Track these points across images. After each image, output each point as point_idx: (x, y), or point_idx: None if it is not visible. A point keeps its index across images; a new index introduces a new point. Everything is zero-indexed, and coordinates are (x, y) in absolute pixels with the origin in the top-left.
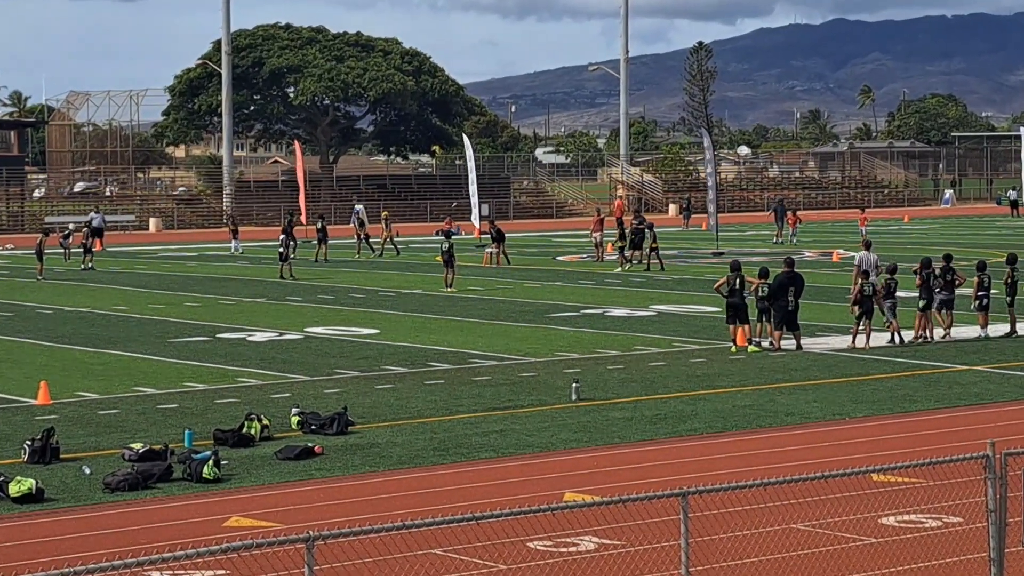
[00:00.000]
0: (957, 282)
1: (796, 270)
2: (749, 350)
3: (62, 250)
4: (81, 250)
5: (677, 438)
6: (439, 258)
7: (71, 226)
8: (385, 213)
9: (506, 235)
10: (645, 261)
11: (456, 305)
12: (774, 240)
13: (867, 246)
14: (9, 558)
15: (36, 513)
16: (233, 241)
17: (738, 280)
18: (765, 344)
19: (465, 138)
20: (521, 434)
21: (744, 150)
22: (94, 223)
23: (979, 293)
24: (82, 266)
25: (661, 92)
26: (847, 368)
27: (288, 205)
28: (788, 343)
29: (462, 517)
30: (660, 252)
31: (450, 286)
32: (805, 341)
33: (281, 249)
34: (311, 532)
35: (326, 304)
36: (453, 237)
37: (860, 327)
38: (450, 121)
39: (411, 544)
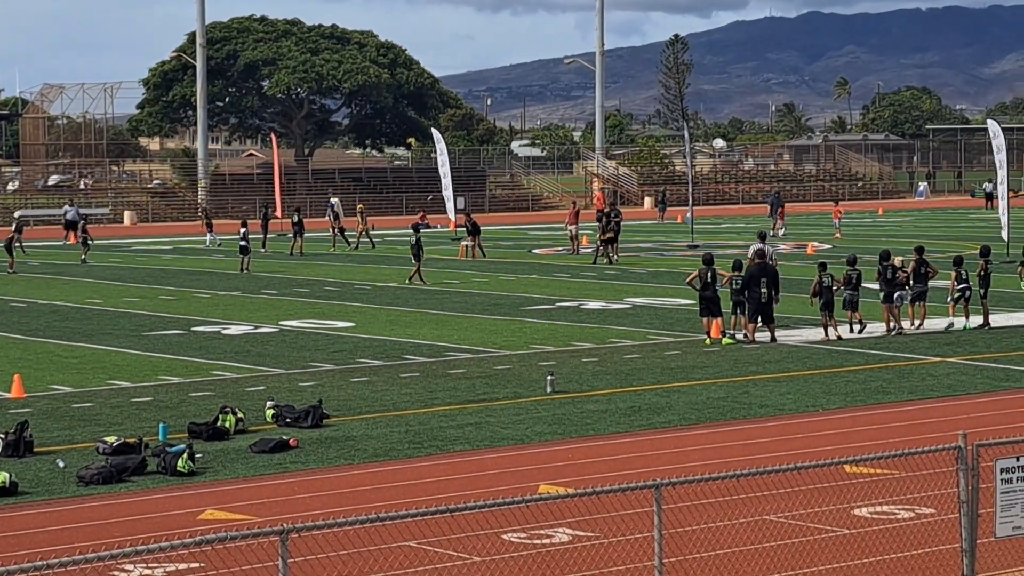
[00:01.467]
0: (930, 274)
1: (767, 261)
2: (723, 342)
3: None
4: (79, 243)
5: (651, 430)
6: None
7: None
8: (360, 206)
9: (482, 228)
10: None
11: (431, 298)
12: (772, 233)
13: None
14: None
15: (10, 506)
16: (209, 234)
17: (710, 273)
18: (739, 336)
19: (435, 132)
20: (496, 427)
21: (719, 143)
22: (68, 216)
23: (959, 287)
24: (82, 259)
25: (636, 85)
26: (821, 360)
27: (263, 198)
28: (762, 335)
29: (437, 509)
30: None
31: (419, 279)
32: (779, 333)
33: (242, 242)
34: (285, 525)
35: (301, 297)
36: (423, 231)
37: (826, 320)
38: (425, 114)
39: (386, 537)
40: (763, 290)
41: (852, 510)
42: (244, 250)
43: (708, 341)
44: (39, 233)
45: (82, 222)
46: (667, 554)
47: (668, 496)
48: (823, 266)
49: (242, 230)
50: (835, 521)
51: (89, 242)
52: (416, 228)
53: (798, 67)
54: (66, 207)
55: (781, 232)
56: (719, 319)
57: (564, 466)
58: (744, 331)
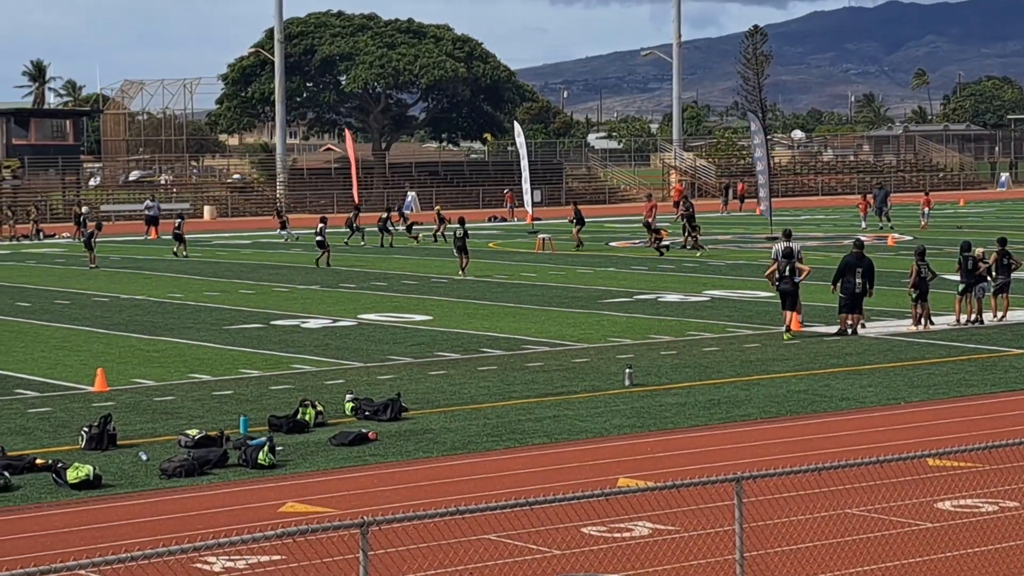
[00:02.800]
0: (1013, 266)
1: (864, 252)
2: (784, 337)
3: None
4: (175, 239)
5: (731, 423)
6: (493, 244)
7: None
8: (438, 207)
9: (558, 221)
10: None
11: (508, 291)
12: (881, 226)
13: None
14: (67, 544)
15: (94, 499)
16: (285, 230)
17: (788, 267)
18: (783, 330)
19: (516, 125)
20: (574, 420)
21: (798, 134)
22: (150, 212)
23: None
24: (183, 254)
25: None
26: (903, 352)
27: (341, 193)
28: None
29: (516, 502)
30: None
31: (463, 270)
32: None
33: (319, 238)
34: (365, 517)
35: (379, 291)
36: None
37: (917, 310)
38: (502, 108)
39: (465, 529)
40: (858, 280)
41: (935, 503)
42: (321, 245)
43: (787, 336)
44: (120, 228)
45: (179, 220)
46: (748, 548)
47: (749, 489)
48: (920, 255)
49: (319, 225)
50: (918, 515)
51: (184, 238)
52: (461, 221)
53: (877, 57)
54: (147, 202)
55: (864, 224)
56: (797, 312)
57: (643, 459)
58: (785, 325)
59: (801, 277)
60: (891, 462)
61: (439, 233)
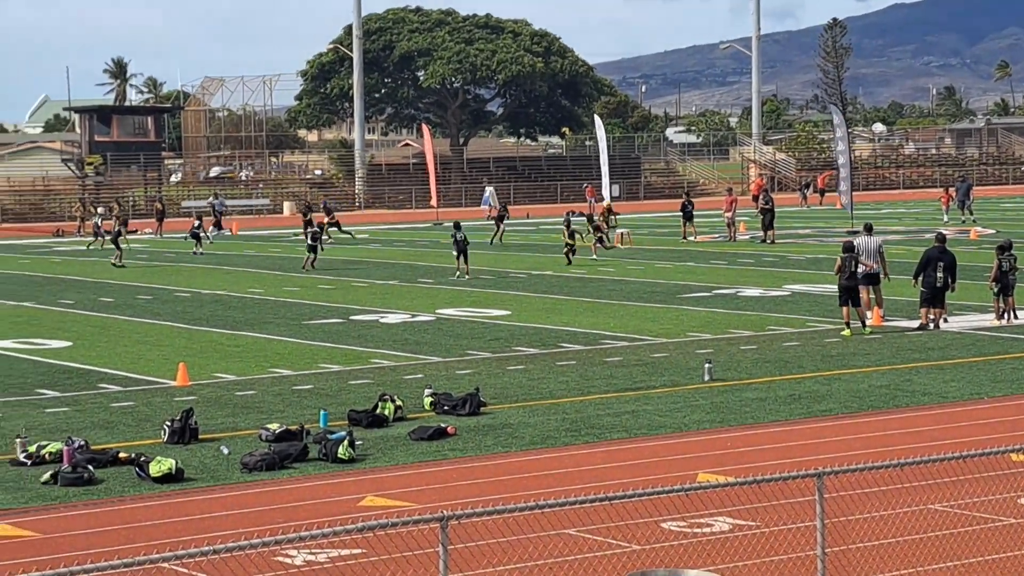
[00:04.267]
0: None
1: (946, 246)
2: (842, 334)
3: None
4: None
5: (812, 418)
6: (567, 237)
7: (100, 210)
8: (606, 204)
9: (636, 215)
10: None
11: (587, 286)
12: (963, 219)
13: None
14: (150, 537)
15: (176, 492)
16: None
17: (852, 262)
18: (845, 329)
19: (597, 119)
20: (653, 415)
21: (879, 127)
22: (217, 208)
23: None
24: (200, 252)
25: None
26: (986, 347)
27: (418, 188)
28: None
29: (595, 497)
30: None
31: (467, 274)
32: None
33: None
34: (445, 512)
35: (457, 286)
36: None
37: (1000, 304)
38: (579, 102)
39: (544, 524)
40: (939, 275)
41: (1018, 499)
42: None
43: (847, 332)
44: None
45: (198, 221)
46: (830, 543)
47: (830, 485)
48: (1002, 249)
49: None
50: (1001, 510)
51: (204, 235)
52: (457, 225)
53: (959, 49)
54: (211, 199)
55: (946, 218)
56: (879, 306)
57: (723, 454)
58: (859, 319)
59: (865, 270)
60: (974, 457)
61: (607, 230)
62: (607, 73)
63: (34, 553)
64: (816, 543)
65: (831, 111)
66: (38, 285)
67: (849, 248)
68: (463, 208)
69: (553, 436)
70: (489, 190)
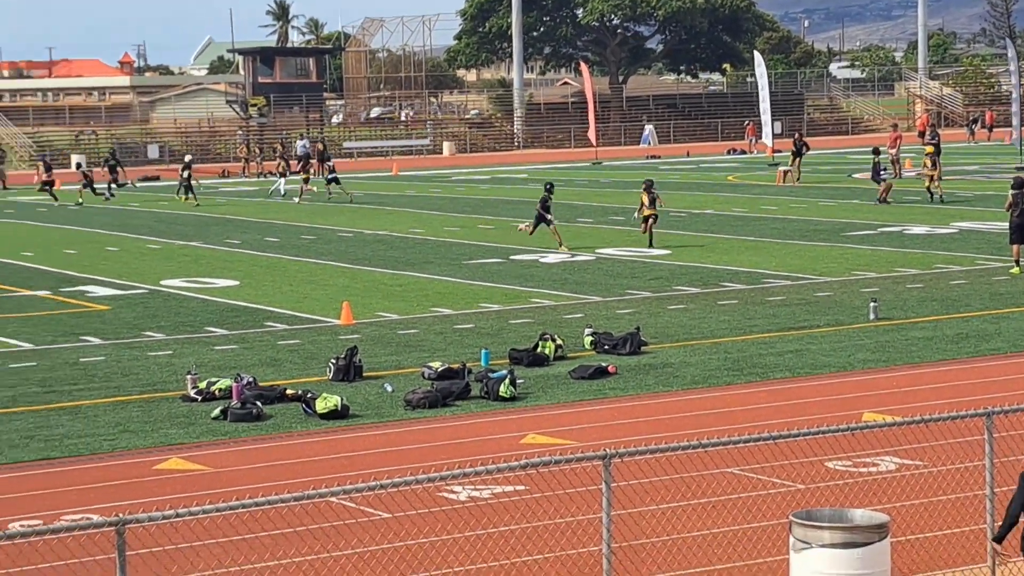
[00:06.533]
0: None
1: None
2: (1011, 272)
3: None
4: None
5: (979, 357)
6: (732, 178)
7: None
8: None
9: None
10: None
11: (748, 225)
12: None
13: None
14: (318, 471)
15: (341, 429)
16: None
17: (1023, 198)
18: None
19: (757, 55)
20: (817, 354)
21: None
22: (300, 151)
23: None
24: (195, 203)
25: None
26: None
27: (577, 127)
28: None
29: (759, 436)
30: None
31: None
32: None
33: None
34: (608, 450)
35: (616, 225)
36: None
37: None
38: (741, 38)
39: (708, 463)
40: None
41: None
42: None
43: (1016, 270)
44: (363, 165)
45: (187, 170)
46: (999, 483)
47: (999, 424)
48: None
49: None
50: None
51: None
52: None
53: None
54: (299, 142)
55: None
56: None
57: (888, 394)
58: (1015, 259)
59: None
60: None
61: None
62: (769, 8)
63: (205, 486)
64: (985, 483)
65: (1005, 44)
66: (205, 225)
67: (1020, 184)
68: (622, 146)
69: (714, 375)
70: (649, 128)
